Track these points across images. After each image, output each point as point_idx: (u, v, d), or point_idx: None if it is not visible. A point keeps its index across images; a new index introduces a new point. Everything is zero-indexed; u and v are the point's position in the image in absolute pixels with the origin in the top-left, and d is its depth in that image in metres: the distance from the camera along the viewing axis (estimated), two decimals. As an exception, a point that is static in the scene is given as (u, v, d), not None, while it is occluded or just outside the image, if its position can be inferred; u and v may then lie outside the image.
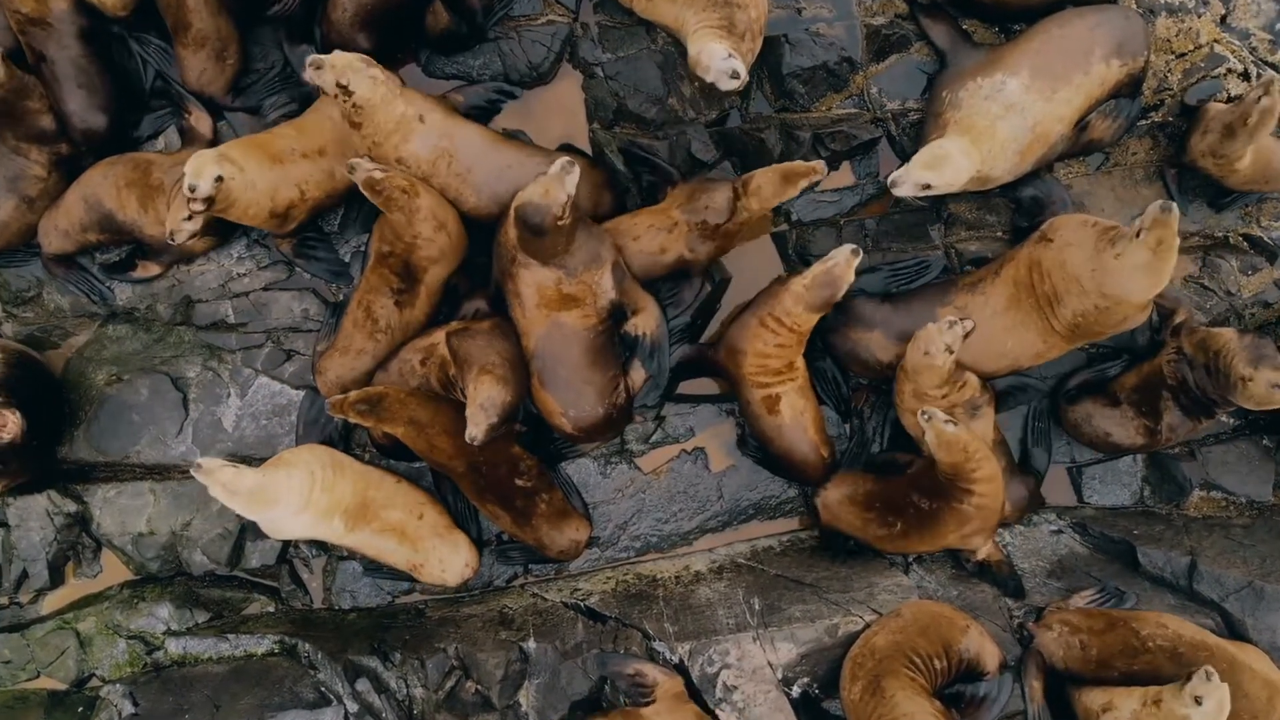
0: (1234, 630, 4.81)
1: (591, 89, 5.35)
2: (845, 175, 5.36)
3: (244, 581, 5.47)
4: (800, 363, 5.06)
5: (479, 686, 4.77)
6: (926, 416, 4.51)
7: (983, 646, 4.54)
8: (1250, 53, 5.25)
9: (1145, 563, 5.13)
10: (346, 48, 4.77)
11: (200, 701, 4.87)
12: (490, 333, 4.88)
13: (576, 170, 4.37)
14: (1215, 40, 5.23)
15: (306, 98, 5.27)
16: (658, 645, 4.79)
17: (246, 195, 4.68)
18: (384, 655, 4.88)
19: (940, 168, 4.58)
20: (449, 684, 4.79)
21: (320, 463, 4.72)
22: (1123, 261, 4.36)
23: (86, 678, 5.20)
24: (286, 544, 5.42)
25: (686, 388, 5.45)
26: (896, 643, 4.50)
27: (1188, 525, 5.28)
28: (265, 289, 5.39)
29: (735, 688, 4.65)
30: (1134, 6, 5.12)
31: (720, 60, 4.43)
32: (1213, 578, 4.94)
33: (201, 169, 4.46)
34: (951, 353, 4.63)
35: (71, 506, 5.33)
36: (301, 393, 5.31)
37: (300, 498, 4.55)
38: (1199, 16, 5.24)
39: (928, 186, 4.58)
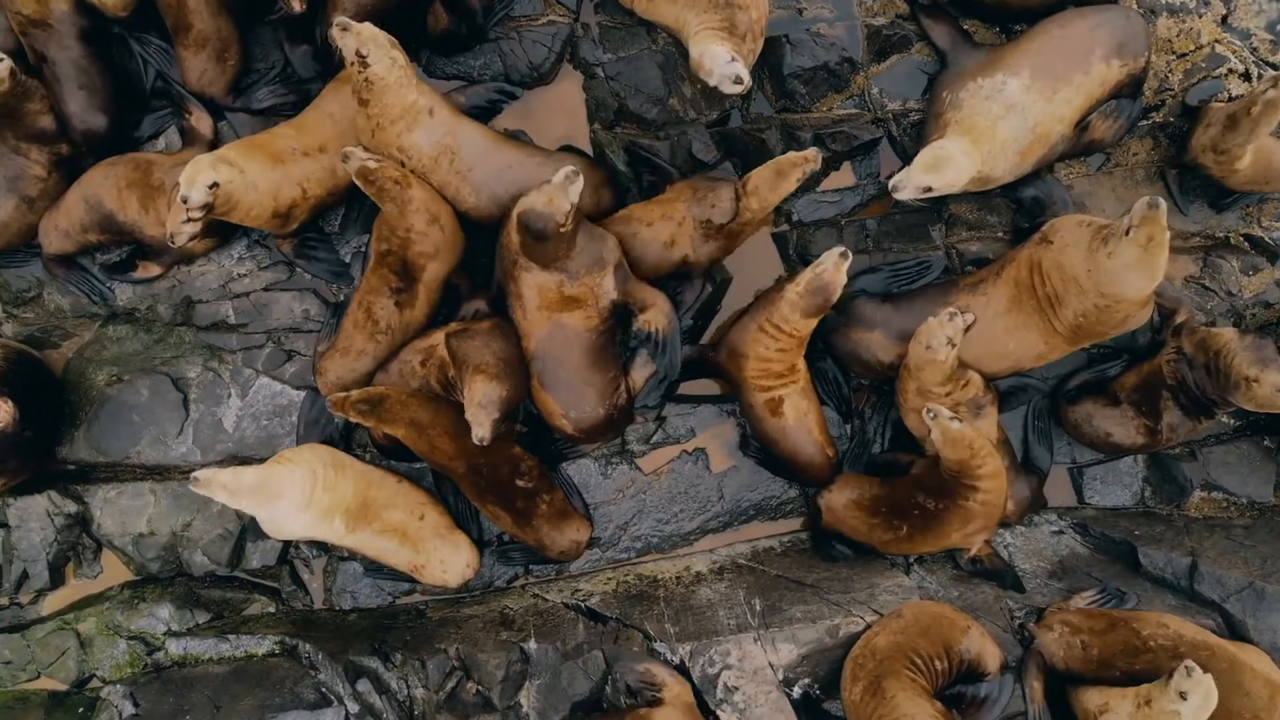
0: (1235, 631, 4.81)
1: (592, 89, 5.35)
2: (846, 176, 5.37)
3: (245, 582, 5.47)
4: (802, 364, 5.06)
5: (480, 687, 4.76)
6: (932, 414, 4.50)
7: (984, 647, 4.54)
8: (1251, 53, 5.25)
9: (1146, 563, 5.13)
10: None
11: (201, 702, 4.86)
12: (488, 333, 4.88)
13: (580, 180, 4.35)
14: (1216, 40, 5.23)
15: (305, 95, 5.26)
16: (659, 646, 4.79)
17: (249, 197, 4.67)
18: (385, 656, 4.87)
19: (941, 169, 4.58)
20: (450, 684, 4.79)
21: (322, 462, 4.72)
22: (1115, 260, 4.35)
23: (87, 678, 5.19)
24: (287, 545, 5.42)
25: (687, 388, 5.45)
26: (897, 643, 4.50)
27: (1188, 526, 5.28)
28: (266, 289, 5.39)
29: (736, 688, 4.65)
30: (1135, 6, 5.12)
31: (723, 65, 4.42)
32: (1213, 578, 4.94)
33: (194, 178, 4.41)
34: (953, 346, 4.62)
35: (72, 507, 5.33)
36: (302, 393, 5.31)
37: (303, 494, 4.55)
38: (1200, 17, 5.24)
39: (929, 189, 4.58)
